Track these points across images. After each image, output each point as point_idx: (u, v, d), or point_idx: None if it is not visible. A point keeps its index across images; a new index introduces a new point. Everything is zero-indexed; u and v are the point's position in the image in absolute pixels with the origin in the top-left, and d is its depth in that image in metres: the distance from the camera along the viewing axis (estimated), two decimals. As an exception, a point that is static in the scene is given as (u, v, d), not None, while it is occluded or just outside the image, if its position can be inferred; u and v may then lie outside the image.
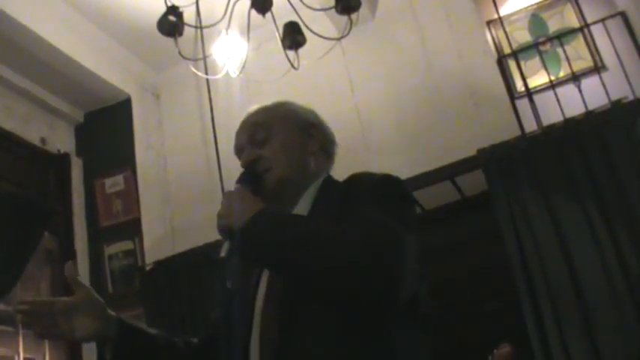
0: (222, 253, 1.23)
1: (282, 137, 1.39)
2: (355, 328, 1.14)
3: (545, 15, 5.14)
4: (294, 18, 3.24)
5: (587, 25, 4.64)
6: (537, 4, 5.17)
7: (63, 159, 4.37)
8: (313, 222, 1.23)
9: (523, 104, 4.19)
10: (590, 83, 4.38)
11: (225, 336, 1.31)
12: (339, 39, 3.33)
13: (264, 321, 1.24)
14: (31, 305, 1.32)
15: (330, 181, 1.40)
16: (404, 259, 1.10)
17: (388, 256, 1.09)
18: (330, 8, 3.17)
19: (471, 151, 3.62)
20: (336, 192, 1.34)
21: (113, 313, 1.37)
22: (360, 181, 1.31)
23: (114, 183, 4.43)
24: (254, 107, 1.48)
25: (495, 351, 3.71)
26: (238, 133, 1.45)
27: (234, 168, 1.47)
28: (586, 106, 3.78)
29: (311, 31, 3.25)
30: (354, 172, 1.35)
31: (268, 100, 1.52)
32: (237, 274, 1.38)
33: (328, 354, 1.15)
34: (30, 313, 1.31)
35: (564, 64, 4.60)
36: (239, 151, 1.42)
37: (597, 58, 4.78)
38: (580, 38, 4.83)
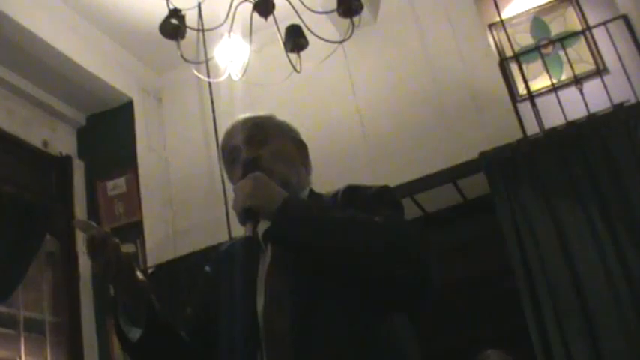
0: (248, 233, 1.24)
1: (279, 143, 1.43)
2: (363, 318, 1.19)
3: (546, 18, 5.13)
4: (296, 21, 3.25)
5: (589, 28, 4.64)
6: (539, 7, 5.17)
7: (65, 162, 4.38)
8: (343, 210, 1.28)
9: (525, 107, 4.19)
10: (592, 86, 4.37)
11: (226, 329, 1.32)
12: (341, 42, 3.34)
13: (268, 316, 1.24)
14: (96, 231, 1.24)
15: (314, 192, 1.45)
16: (430, 253, 1.21)
17: (422, 248, 1.20)
18: (332, 11, 3.17)
19: (473, 154, 3.62)
20: (324, 201, 1.38)
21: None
22: (361, 190, 1.36)
23: (116, 186, 4.43)
24: (244, 115, 1.50)
25: None
26: (232, 134, 1.45)
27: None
28: (588, 110, 3.77)
29: (313, 34, 3.25)
30: (350, 184, 1.39)
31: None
32: (236, 266, 1.39)
33: (341, 345, 1.17)
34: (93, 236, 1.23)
35: (566, 67, 4.59)
36: (233, 150, 1.43)
37: (599, 61, 4.77)
38: (582, 41, 4.82)
